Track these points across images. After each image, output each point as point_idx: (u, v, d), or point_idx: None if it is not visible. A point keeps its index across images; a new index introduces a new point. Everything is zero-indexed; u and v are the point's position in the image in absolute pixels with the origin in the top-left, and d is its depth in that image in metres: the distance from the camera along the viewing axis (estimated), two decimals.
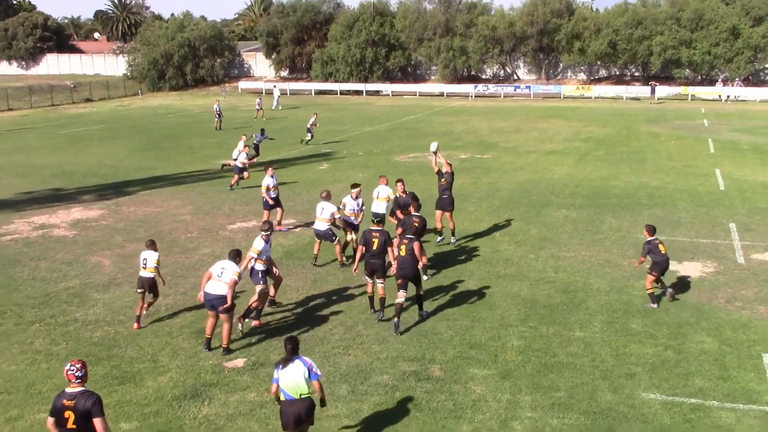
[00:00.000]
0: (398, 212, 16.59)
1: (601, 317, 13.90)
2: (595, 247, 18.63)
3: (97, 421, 7.42)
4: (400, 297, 13.24)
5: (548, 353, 12.39)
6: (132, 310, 14.43)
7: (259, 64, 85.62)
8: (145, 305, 13.82)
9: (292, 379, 8.68)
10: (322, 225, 16.80)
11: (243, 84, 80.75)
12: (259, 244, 13.42)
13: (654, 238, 14.67)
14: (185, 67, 79.78)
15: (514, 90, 71.46)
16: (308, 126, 38.52)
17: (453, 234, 18.94)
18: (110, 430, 7.65)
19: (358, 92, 75.04)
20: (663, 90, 64.65)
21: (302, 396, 8.71)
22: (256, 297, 13.37)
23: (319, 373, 8.82)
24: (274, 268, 13.76)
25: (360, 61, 75.04)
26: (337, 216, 16.66)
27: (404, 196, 16.78)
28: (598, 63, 73.05)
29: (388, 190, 17.54)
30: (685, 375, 11.64)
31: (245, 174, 26.24)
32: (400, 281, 13.33)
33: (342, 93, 75.11)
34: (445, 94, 72.41)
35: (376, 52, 75.02)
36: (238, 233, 20.27)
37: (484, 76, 78.30)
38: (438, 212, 18.64)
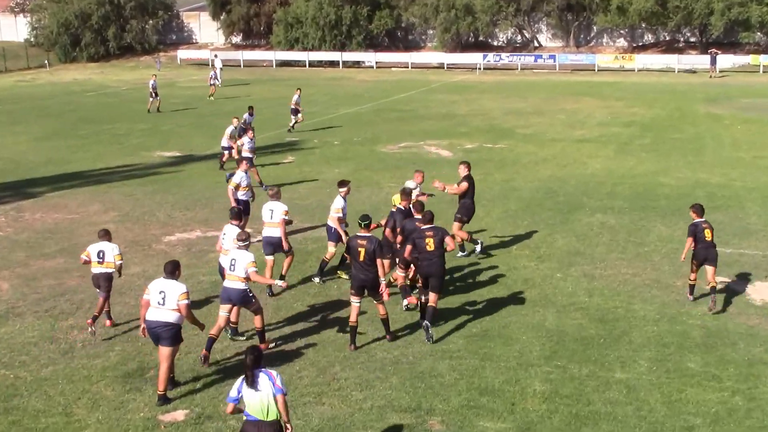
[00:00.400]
0: (396, 230, 16.14)
1: (649, 353, 13.96)
2: (640, 262, 18.72)
3: None
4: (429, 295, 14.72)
5: (581, 400, 12.42)
6: (38, 347, 14.35)
7: (204, 27, 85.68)
8: (100, 309, 14.88)
9: (257, 398, 9.25)
10: (274, 231, 16.82)
11: (183, 53, 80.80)
12: (249, 256, 13.71)
13: (702, 220, 16.18)
14: (107, 32, 79.70)
15: (535, 60, 71.83)
16: (292, 107, 38.11)
17: (462, 248, 19.26)
18: None
19: (333, 63, 75.11)
20: (726, 60, 65.18)
21: (269, 418, 9.27)
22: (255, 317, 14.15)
23: (283, 387, 9.27)
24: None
25: (335, 23, 75.26)
26: (285, 216, 16.68)
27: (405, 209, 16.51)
28: (643, 25, 73.56)
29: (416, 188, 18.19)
30: (759, 429, 11.68)
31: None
32: (423, 281, 14.84)
33: (312, 64, 75.19)
34: (445, 66, 72.64)
35: (355, 11, 75.26)
36: (177, 247, 20.23)
37: (495, 43, 78.66)
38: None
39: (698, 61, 66.50)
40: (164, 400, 12.37)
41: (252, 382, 9.20)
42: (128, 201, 25.11)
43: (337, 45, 75.78)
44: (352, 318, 14.17)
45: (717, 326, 15.06)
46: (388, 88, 56.93)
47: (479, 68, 70.31)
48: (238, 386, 9.30)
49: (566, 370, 13.34)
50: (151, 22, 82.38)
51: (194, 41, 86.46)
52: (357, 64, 75.64)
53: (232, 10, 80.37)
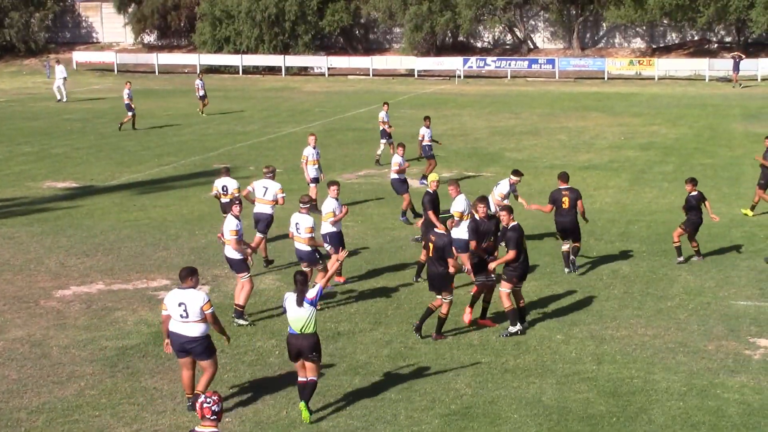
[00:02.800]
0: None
1: None
2: (662, 321, 18.93)
3: None
4: (565, 246, 22.11)
5: None
6: None
7: (108, 23, 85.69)
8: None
9: (294, 315, 14.14)
10: (265, 208, 22.66)
11: (80, 55, 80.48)
12: (309, 220, 19.33)
13: (697, 192, 22.71)
14: None
15: (529, 66, 72.52)
16: (383, 127, 36.17)
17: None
18: None
19: (274, 70, 75.33)
20: (746, 65, 65.53)
21: (304, 332, 14.13)
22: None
23: (314, 298, 14.18)
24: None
25: (276, 19, 75.57)
26: (282, 195, 22.40)
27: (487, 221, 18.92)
28: (665, 22, 74.48)
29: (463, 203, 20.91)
30: None
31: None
32: (561, 234, 22.26)
33: (246, 71, 75.31)
34: (416, 74, 73.09)
35: (302, 4, 75.58)
36: (73, 303, 20.17)
37: (479, 45, 79.42)
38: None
39: (741, 66, 66.83)
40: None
41: (300, 302, 14.03)
42: (8, 245, 24.95)
43: (279, 46, 76.09)
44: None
45: (760, 401, 15.21)
46: (344, 102, 57.12)
47: (459, 76, 70.85)
48: (284, 301, 14.32)
49: None
50: (37, 15, 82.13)
51: (95, 40, 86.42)
52: (304, 71, 75.92)
53: (143, 1, 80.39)
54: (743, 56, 65.92)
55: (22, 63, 79.60)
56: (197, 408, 9.87)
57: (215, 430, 9.82)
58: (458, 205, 20.82)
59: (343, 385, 15.77)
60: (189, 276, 14.41)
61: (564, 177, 22.52)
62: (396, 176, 27.41)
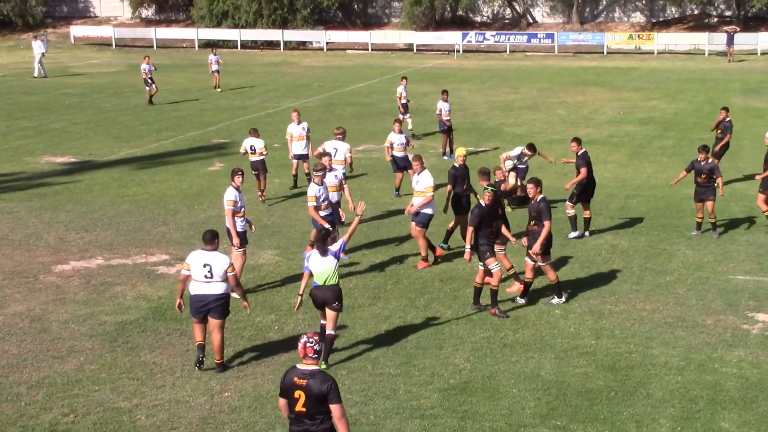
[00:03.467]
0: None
1: (672, 410, 14.16)
2: (661, 296, 18.98)
3: (334, 408, 10.24)
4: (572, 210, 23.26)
5: None
6: None
7: None
8: (261, 189, 26.16)
9: (319, 268, 15.17)
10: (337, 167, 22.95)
11: (78, 29, 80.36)
12: (312, 189, 19.77)
13: (706, 159, 22.80)
14: None
15: (528, 41, 72.42)
16: (403, 101, 36.70)
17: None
18: (348, 422, 10.33)
19: (272, 44, 75.16)
20: (746, 39, 65.45)
21: (328, 284, 15.20)
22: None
23: (337, 250, 15.35)
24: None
25: None
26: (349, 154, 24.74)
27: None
28: None
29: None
30: None
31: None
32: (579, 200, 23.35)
33: (245, 46, 75.20)
34: (414, 48, 72.96)
35: None
36: (73, 278, 20.20)
37: (478, 19, 79.25)
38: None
39: (735, 40, 66.99)
40: (223, 367, 15.36)
41: (323, 253, 15.10)
42: (7, 220, 24.97)
43: (278, 21, 75.87)
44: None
45: (758, 376, 15.29)
46: (343, 76, 57.05)
47: (458, 51, 70.78)
48: (306, 258, 15.38)
49: None
50: None
51: (92, 14, 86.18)
52: (303, 46, 75.81)
53: None
54: (738, 29, 65.89)
55: (19, 37, 79.39)
56: (300, 347, 10.45)
57: (316, 367, 10.40)
58: (427, 180, 20.99)
59: (342, 359, 15.83)
60: (214, 238, 15.27)
61: (579, 141, 23.61)
62: (396, 154, 27.45)
